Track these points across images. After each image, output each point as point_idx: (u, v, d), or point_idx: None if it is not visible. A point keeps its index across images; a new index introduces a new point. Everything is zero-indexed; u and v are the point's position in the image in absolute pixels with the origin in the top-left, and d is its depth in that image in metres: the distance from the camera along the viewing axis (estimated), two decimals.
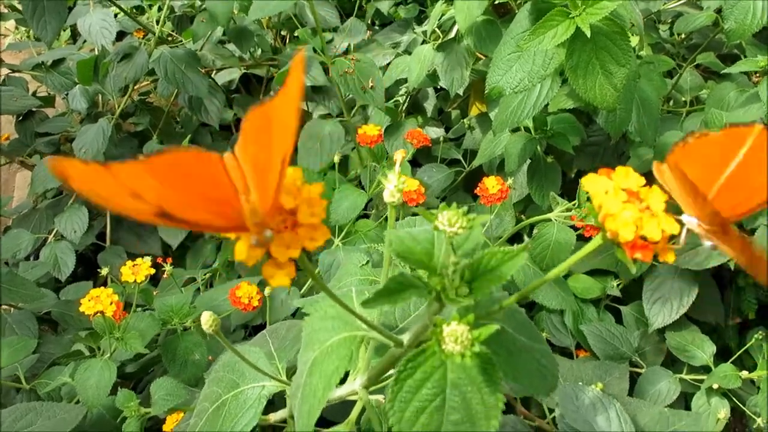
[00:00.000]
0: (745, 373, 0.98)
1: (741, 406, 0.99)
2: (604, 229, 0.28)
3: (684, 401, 1.05)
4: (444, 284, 0.29)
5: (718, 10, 1.01)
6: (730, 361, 1.02)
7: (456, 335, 0.28)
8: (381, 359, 0.39)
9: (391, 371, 0.51)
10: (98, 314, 0.72)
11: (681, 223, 0.29)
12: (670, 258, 0.28)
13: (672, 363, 1.10)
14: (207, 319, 0.42)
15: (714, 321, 1.16)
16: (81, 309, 0.72)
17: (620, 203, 0.27)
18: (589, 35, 0.68)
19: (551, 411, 0.88)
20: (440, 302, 0.30)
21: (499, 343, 0.35)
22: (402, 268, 0.45)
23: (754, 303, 1.19)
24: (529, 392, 0.34)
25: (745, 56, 1.01)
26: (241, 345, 0.57)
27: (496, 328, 0.28)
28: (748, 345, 1.09)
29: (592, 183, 0.28)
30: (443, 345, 0.29)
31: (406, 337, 0.36)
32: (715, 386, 0.98)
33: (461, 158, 1.21)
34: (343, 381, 0.50)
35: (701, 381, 1.02)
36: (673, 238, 0.27)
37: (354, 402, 0.48)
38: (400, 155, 0.36)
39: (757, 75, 1.08)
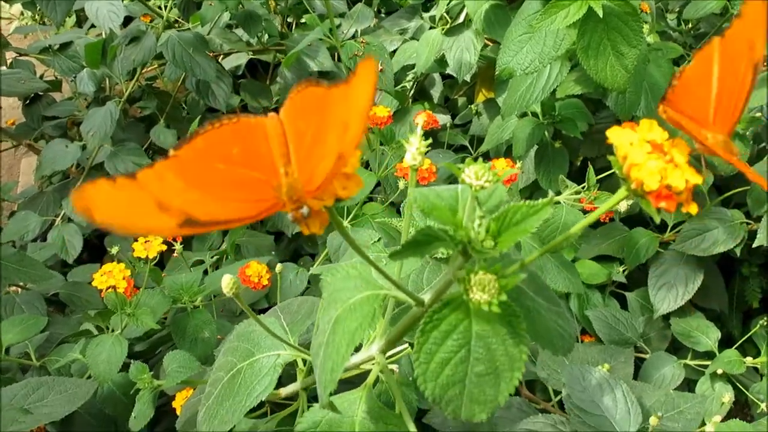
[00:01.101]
0: (749, 359, 0.99)
1: (745, 391, 1.00)
2: (629, 179, 0.28)
3: (688, 387, 1.06)
4: (470, 237, 0.29)
5: None
6: (734, 348, 1.02)
7: (483, 284, 0.29)
8: (401, 321, 0.40)
9: (407, 347, 0.52)
10: (110, 289, 0.73)
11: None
12: (693, 209, 0.28)
13: (676, 350, 1.11)
14: (228, 282, 0.43)
15: (719, 308, 1.16)
16: (93, 284, 0.73)
17: (645, 153, 0.27)
18: (601, 15, 0.69)
19: (557, 394, 0.89)
20: (465, 255, 0.30)
21: (520, 303, 0.36)
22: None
23: (759, 291, 1.20)
24: (548, 350, 0.35)
25: None
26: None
27: (523, 277, 0.28)
28: (751, 332, 1.09)
29: (616, 135, 0.28)
30: (471, 294, 0.29)
31: (427, 297, 0.36)
32: (720, 371, 0.99)
33: (468, 144, 1.21)
34: (359, 349, 0.50)
35: (705, 367, 1.02)
36: (696, 189, 0.28)
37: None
38: (421, 118, 0.37)
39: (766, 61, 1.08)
